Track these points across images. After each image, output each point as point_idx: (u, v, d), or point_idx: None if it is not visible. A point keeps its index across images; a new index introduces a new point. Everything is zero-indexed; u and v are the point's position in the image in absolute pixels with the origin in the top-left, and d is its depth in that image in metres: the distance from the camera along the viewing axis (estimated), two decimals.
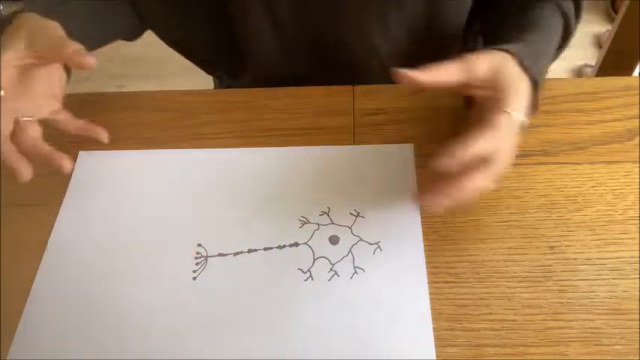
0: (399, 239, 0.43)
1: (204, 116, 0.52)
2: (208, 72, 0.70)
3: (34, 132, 0.43)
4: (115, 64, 1.61)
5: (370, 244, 0.43)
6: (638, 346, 0.37)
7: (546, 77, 0.46)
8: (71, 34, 0.43)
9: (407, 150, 0.48)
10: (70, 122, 0.46)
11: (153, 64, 1.63)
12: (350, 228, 0.44)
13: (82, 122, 0.46)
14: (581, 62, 1.56)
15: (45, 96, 0.45)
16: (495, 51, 0.42)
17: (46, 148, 0.42)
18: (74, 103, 0.55)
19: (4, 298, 0.42)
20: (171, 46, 0.62)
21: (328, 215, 0.45)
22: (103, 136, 0.46)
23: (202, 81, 0.80)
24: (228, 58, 0.62)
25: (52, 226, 0.46)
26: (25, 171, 0.41)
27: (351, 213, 0.44)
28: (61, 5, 0.49)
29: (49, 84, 0.45)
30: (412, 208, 0.44)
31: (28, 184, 0.48)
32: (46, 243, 0.45)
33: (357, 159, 0.48)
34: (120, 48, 0.63)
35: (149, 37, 0.62)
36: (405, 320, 0.39)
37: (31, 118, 0.43)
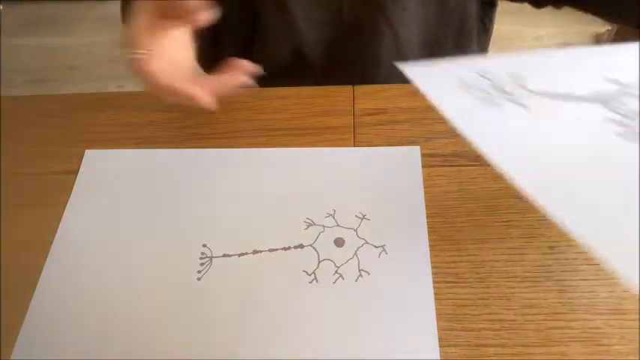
0: (404, 243, 0.42)
1: (204, 116, 0.52)
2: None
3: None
4: (115, 64, 1.61)
5: (375, 247, 0.42)
6: (638, 346, 0.37)
7: None
8: None
9: (413, 152, 0.48)
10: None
11: None
12: (355, 230, 0.44)
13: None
14: None
15: None
16: None
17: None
18: (74, 103, 0.56)
19: (8, 298, 0.42)
20: None
21: (334, 217, 0.44)
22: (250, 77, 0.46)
23: None
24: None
25: (58, 226, 0.46)
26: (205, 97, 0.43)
27: (356, 215, 0.44)
28: None
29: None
30: (418, 211, 0.44)
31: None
32: (51, 243, 0.45)
33: (363, 160, 0.48)
34: (120, 48, 0.63)
35: None
36: (410, 323, 0.39)
37: None
